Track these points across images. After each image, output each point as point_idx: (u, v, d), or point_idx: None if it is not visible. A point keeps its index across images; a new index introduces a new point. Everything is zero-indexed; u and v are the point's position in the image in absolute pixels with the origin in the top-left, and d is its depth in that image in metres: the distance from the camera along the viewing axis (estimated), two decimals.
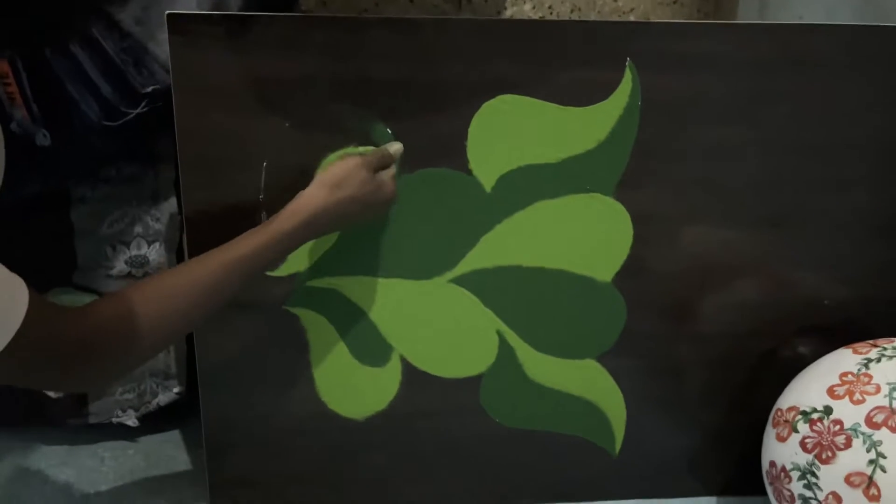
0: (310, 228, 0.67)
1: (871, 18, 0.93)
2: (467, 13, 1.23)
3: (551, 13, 1.26)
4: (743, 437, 0.84)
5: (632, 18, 1.26)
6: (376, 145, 0.74)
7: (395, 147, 0.74)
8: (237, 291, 0.65)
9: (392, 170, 0.73)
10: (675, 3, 1.25)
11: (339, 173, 0.69)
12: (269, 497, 0.84)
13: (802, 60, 0.76)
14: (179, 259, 0.89)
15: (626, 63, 0.74)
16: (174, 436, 0.97)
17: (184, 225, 0.76)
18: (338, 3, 1.19)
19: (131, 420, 0.92)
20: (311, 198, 0.68)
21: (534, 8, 1.26)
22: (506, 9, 1.27)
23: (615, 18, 1.25)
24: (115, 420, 0.92)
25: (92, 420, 0.92)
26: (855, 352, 0.74)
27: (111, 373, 0.63)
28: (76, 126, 0.74)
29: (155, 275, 0.63)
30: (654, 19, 1.24)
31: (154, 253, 0.88)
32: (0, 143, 0.50)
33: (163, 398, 0.93)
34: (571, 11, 1.28)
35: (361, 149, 0.74)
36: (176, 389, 0.93)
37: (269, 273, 0.77)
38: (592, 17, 1.27)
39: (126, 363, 0.62)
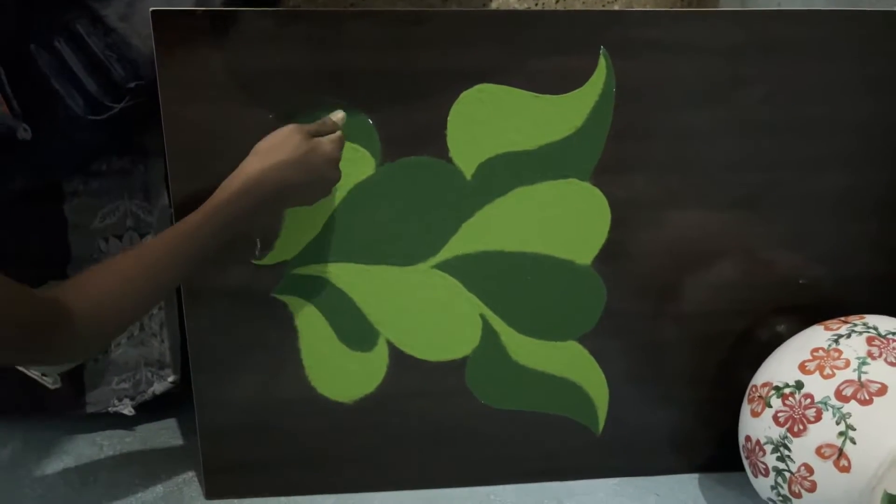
0: (249, 195, 0.68)
1: (847, 3, 0.95)
2: (453, 6, 1.24)
3: (536, 4, 1.27)
4: (723, 414, 0.86)
5: (616, 7, 1.27)
6: (357, 135, 0.76)
7: (338, 115, 0.74)
8: (192, 267, 0.68)
9: (335, 135, 0.73)
10: None
11: (271, 140, 0.71)
12: (263, 479, 0.86)
13: (775, 46, 0.78)
14: None
15: (600, 51, 0.76)
16: (171, 423, 0.99)
17: (173, 217, 0.78)
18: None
19: (127, 409, 0.94)
20: (245, 165, 0.70)
21: (520, 0, 1.27)
22: (492, 0, 1.28)
23: (599, 8, 1.26)
24: (111, 409, 0.94)
25: (89, 409, 0.94)
26: (826, 328, 0.76)
27: (80, 349, 0.66)
28: (61, 120, 0.76)
29: (112, 257, 0.66)
30: (637, 8, 1.26)
31: None
32: None
33: (158, 387, 0.95)
34: (556, 2, 1.29)
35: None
36: (171, 378, 0.95)
37: (257, 262, 0.79)
38: (577, 7, 1.28)
39: (94, 341, 0.66)
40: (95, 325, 0.63)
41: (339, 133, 0.74)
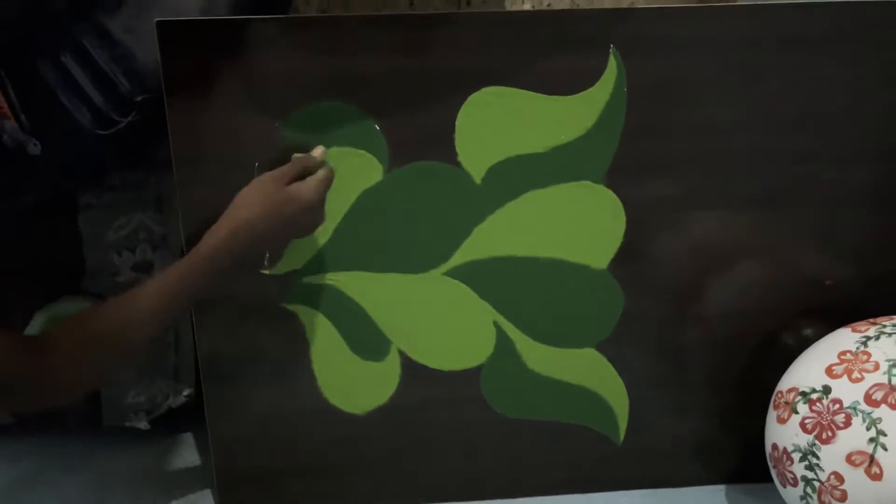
0: (224, 249, 0.69)
1: None
2: (473, 9, 1.23)
3: (548, 4, 1.26)
4: (749, 421, 0.83)
5: (625, 5, 1.25)
6: (364, 141, 0.75)
7: (318, 151, 0.74)
8: (173, 316, 0.71)
9: (319, 174, 0.73)
10: None
11: (247, 192, 0.71)
12: (276, 491, 0.85)
13: (792, 39, 0.75)
14: None
15: (611, 49, 0.74)
16: (186, 437, 0.99)
17: (181, 225, 0.77)
18: (338, 8, 1.21)
19: (143, 423, 0.94)
20: (225, 217, 0.70)
21: (533, 6, 1.26)
22: (504, 7, 1.27)
23: (610, 5, 1.24)
24: (127, 424, 0.94)
25: (106, 423, 0.94)
26: (854, 330, 0.73)
27: (71, 393, 0.68)
28: (69, 135, 0.76)
29: (101, 302, 0.68)
30: (650, 5, 1.23)
31: (160, 258, 0.90)
32: None
33: (173, 401, 0.95)
34: (571, 6, 1.27)
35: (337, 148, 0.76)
36: (185, 391, 0.95)
37: (266, 272, 0.78)
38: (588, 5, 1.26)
39: (85, 383, 0.68)
40: (85, 370, 0.66)
41: (324, 171, 0.73)
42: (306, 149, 0.75)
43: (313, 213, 0.73)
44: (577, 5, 1.24)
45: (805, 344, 0.78)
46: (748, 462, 0.85)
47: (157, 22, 0.71)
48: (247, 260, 0.73)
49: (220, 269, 0.70)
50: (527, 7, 1.25)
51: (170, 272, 0.69)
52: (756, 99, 0.77)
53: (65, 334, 0.65)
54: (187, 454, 0.95)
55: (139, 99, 0.77)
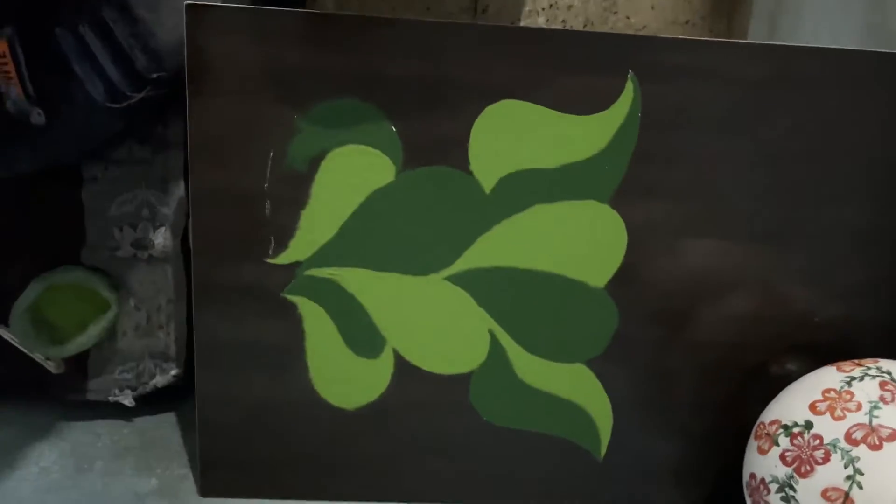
0: None
1: (878, 42, 0.95)
2: (481, 20, 1.25)
3: (564, 26, 1.28)
4: (728, 448, 0.85)
5: (620, 26, 1.27)
6: (379, 141, 0.76)
7: None
8: None
9: None
10: (686, 23, 1.27)
11: None
12: (257, 479, 0.85)
13: (799, 79, 0.77)
14: (184, 244, 0.92)
15: (629, 74, 0.76)
16: (169, 417, 0.99)
17: (189, 209, 0.78)
18: (353, 7, 1.22)
19: (128, 399, 0.94)
20: None
21: (547, 21, 1.28)
22: (520, 20, 1.29)
23: (606, 27, 1.26)
24: (111, 398, 0.94)
25: (90, 397, 0.94)
26: (839, 369, 0.75)
27: None
28: (78, 106, 0.75)
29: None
30: (642, 29, 1.26)
31: (160, 237, 0.90)
32: None
33: (160, 380, 0.95)
34: (584, 26, 1.29)
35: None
36: (173, 371, 0.95)
37: (270, 260, 0.79)
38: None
39: None
40: None
41: None
42: (321, 142, 0.75)
43: None
44: (591, 21, 1.27)
45: (789, 377, 0.80)
46: (723, 488, 0.87)
47: (187, 4, 0.71)
48: None
49: None
50: (541, 20, 1.26)
51: None
52: (763, 136, 0.79)
53: None
54: (169, 434, 0.96)
55: (154, 76, 0.77)
